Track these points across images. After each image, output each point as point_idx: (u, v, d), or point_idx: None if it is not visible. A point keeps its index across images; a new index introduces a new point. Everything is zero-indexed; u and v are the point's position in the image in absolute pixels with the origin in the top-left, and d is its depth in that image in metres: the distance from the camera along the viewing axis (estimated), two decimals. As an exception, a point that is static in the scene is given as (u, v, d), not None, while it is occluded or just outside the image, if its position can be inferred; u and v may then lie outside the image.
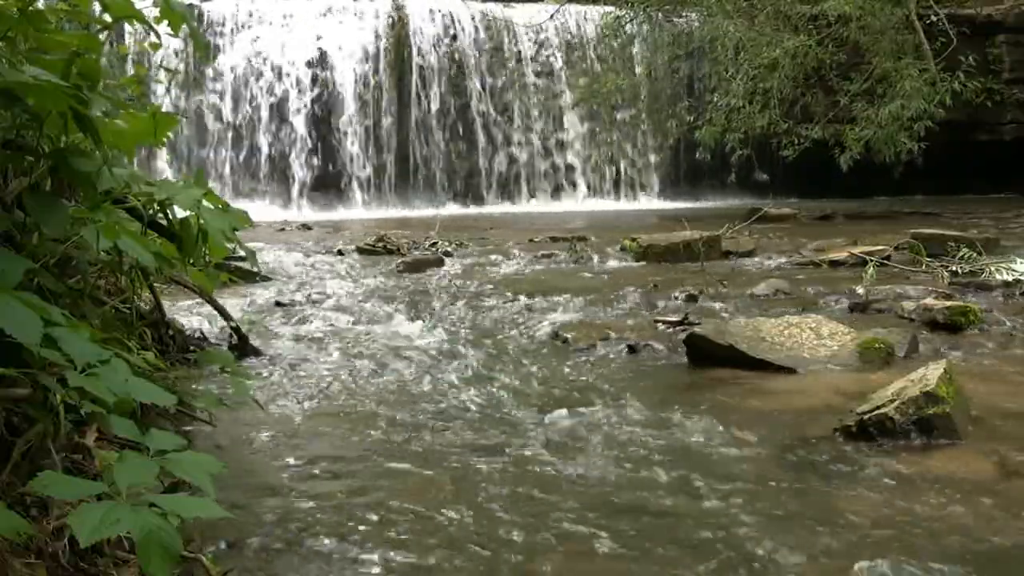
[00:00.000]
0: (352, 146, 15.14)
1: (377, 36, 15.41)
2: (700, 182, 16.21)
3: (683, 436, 2.92)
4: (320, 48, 15.14)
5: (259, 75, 14.86)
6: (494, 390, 3.51)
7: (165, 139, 2.41)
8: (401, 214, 14.36)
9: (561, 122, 16.36)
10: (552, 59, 16.39)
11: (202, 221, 2.20)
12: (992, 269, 5.85)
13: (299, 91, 14.92)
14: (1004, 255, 6.46)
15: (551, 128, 16.32)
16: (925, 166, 12.10)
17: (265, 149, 14.80)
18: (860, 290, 5.34)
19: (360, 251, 8.31)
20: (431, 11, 15.90)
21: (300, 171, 14.84)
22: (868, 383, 3.40)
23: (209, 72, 14.62)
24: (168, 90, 13.80)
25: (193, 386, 2.83)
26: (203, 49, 13.05)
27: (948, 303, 4.59)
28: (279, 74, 14.92)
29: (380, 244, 8.43)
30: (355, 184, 15.15)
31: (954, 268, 6.02)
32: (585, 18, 16.38)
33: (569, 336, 4.42)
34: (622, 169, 16.63)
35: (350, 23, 15.46)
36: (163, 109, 2.54)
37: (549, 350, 4.27)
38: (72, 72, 1.91)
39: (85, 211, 2.15)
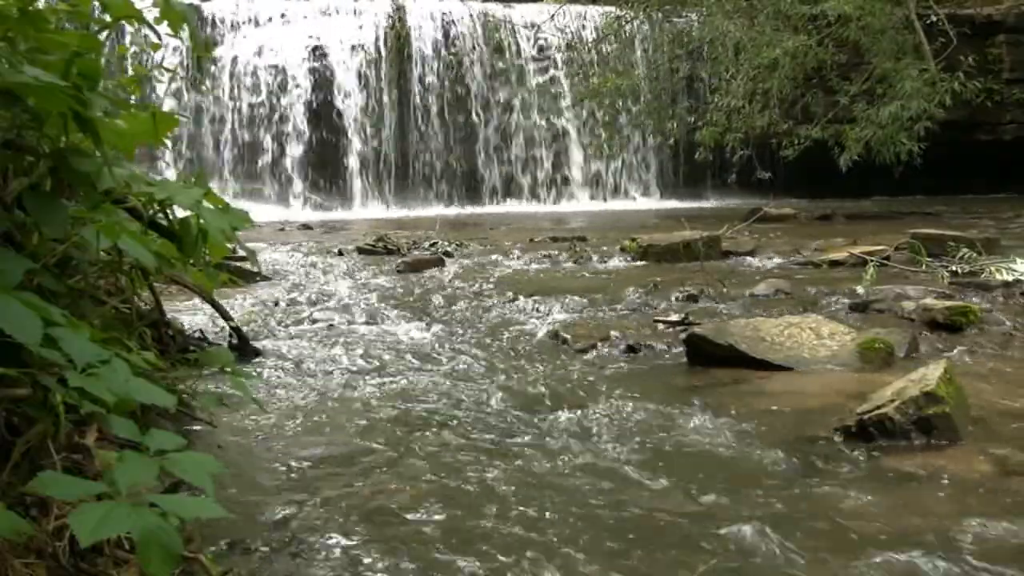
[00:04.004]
0: (352, 146, 15.14)
1: (377, 36, 15.41)
2: (700, 182, 16.22)
3: (682, 436, 2.92)
4: (320, 48, 15.14)
5: (259, 75, 14.86)
6: (494, 390, 3.51)
7: (166, 139, 2.41)
8: (401, 214, 14.37)
9: (561, 122, 16.37)
10: (552, 59, 16.39)
11: (202, 221, 2.20)
12: (992, 269, 5.84)
13: (299, 91, 14.92)
14: (1004, 255, 6.45)
15: (551, 128, 16.33)
16: (925, 166, 12.09)
17: (265, 149, 14.80)
18: (860, 290, 5.33)
19: (360, 251, 8.31)
20: (431, 11, 15.91)
21: (300, 171, 14.85)
22: (868, 383, 3.40)
23: (209, 72, 14.62)
24: (168, 90, 13.79)
25: (193, 386, 2.82)
26: (203, 49, 13.04)
27: (948, 303, 4.59)
28: (279, 74, 14.92)
29: (380, 244, 8.43)
30: (355, 184, 15.15)
31: (954, 268, 6.01)
32: (585, 18, 16.39)
33: (569, 336, 4.42)
34: (622, 169, 16.63)
35: (350, 23, 15.46)
36: (163, 109, 2.54)
37: (549, 350, 4.27)
38: (72, 72, 1.91)
39: (85, 211, 2.15)
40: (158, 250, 2.31)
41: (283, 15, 15.37)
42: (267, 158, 14.80)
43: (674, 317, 4.71)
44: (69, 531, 1.63)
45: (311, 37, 15.18)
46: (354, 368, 3.90)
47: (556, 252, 7.98)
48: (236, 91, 14.79)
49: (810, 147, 12.53)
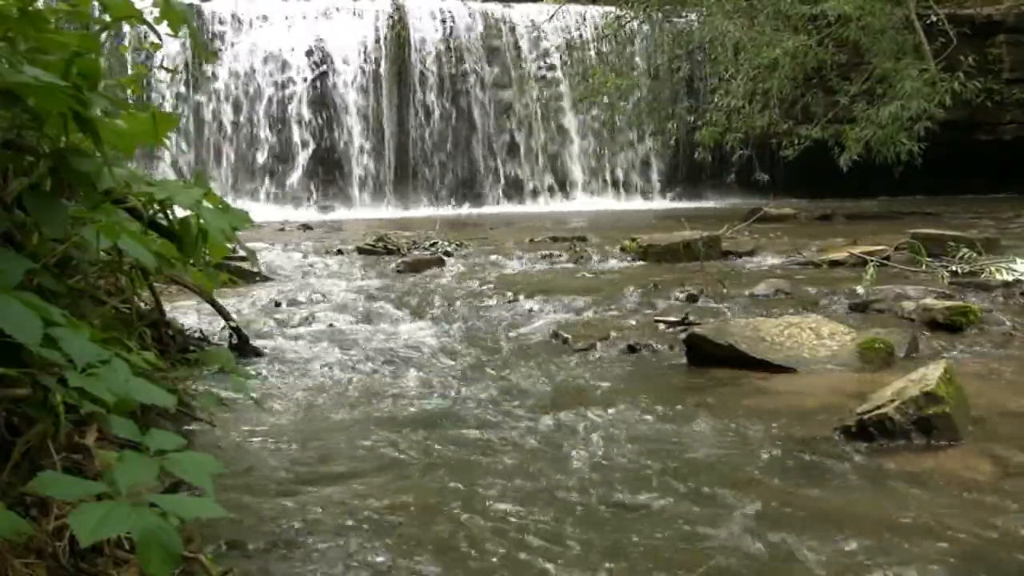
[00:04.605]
0: (352, 146, 15.14)
1: (377, 36, 15.42)
2: (700, 182, 16.22)
3: (682, 436, 2.92)
4: (320, 48, 15.15)
5: (259, 75, 14.86)
6: (494, 390, 3.51)
7: (165, 139, 2.41)
8: (401, 214, 14.37)
9: (561, 122, 16.37)
10: (552, 59, 16.39)
11: (202, 221, 2.20)
12: (992, 269, 5.84)
13: (299, 91, 14.92)
14: (1004, 255, 6.46)
15: (551, 128, 16.33)
16: (925, 166, 12.09)
17: (265, 149, 14.80)
18: (860, 290, 5.33)
19: (360, 251, 8.31)
20: (431, 11, 15.91)
21: (300, 171, 14.85)
22: (868, 383, 3.40)
23: (209, 72, 14.63)
24: (168, 90, 13.81)
25: (193, 386, 2.82)
26: (203, 49, 13.05)
27: (948, 303, 4.59)
28: (279, 74, 14.92)
29: (380, 244, 8.43)
30: (355, 184, 15.16)
31: (954, 268, 6.01)
32: (585, 18, 16.39)
33: (569, 336, 4.42)
34: (622, 169, 16.63)
35: (350, 23, 15.46)
36: (163, 109, 2.55)
37: (549, 350, 4.27)
38: (72, 72, 1.91)
39: (85, 211, 2.15)
40: (158, 250, 2.31)
41: (284, 15, 15.36)
42: (267, 158, 14.80)
43: (674, 317, 4.70)
44: (69, 531, 1.63)
45: (311, 37, 15.19)
46: (354, 368, 3.90)
47: (556, 252, 7.98)
48: (236, 91, 14.79)
49: (810, 147, 12.53)
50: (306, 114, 14.90)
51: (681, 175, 16.62)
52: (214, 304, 3.99)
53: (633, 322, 4.75)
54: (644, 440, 2.87)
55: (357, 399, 3.42)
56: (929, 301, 4.69)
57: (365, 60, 15.26)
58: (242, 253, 3.83)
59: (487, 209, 15.25)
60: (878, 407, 2.87)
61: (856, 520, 2.23)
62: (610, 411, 3.18)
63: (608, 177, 16.53)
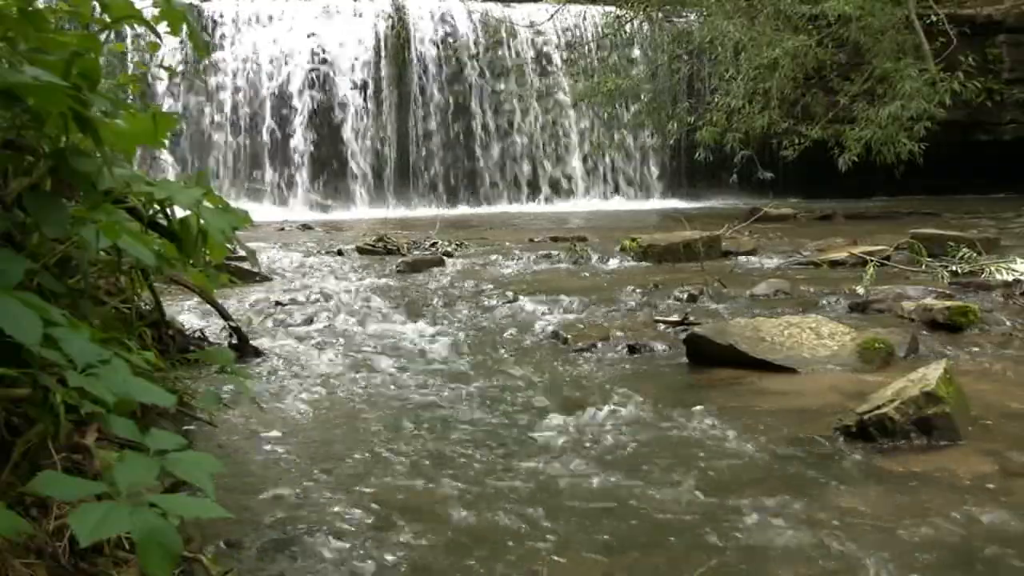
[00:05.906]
0: (352, 146, 15.14)
1: (377, 36, 15.42)
2: (700, 182, 16.22)
3: (683, 436, 2.92)
4: (320, 48, 15.15)
5: (258, 75, 14.86)
6: (494, 390, 3.51)
7: (166, 139, 2.40)
8: (401, 214, 14.37)
9: (561, 122, 16.37)
10: (552, 59, 16.40)
11: (202, 221, 2.20)
12: (992, 269, 5.85)
13: (299, 91, 14.92)
14: (1004, 255, 6.46)
15: (551, 128, 16.33)
16: (925, 166, 12.09)
17: (265, 149, 14.80)
18: (860, 290, 5.33)
19: (360, 251, 8.31)
20: (431, 11, 15.91)
21: (300, 171, 14.85)
22: (868, 383, 3.40)
23: (209, 72, 14.62)
24: (168, 90, 13.81)
25: (193, 386, 2.82)
26: (202, 49, 13.06)
27: (948, 303, 4.59)
28: (279, 74, 14.91)
29: (380, 244, 8.43)
30: (355, 184, 15.15)
31: (954, 268, 6.02)
32: (585, 18, 16.39)
33: (569, 336, 4.42)
34: (622, 169, 16.63)
35: (350, 23, 15.47)
36: (163, 109, 2.55)
37: (549, 350, 4.27)
38: (72, 72, 1.91)
39: (85, 211, 2.15)
40: (158, 250, 2.31)
41: (283, 15, 15.37)
42: (267, 158, 14.80)
43: (674, 317, 4.70)
44: (69, 531, 1.63)
45: (311, 37, 15.19)
46: (353, 368, 3.90)
47: (556, 252, 7.98)
48: (236, 91, 14.78)
49: (810, 147, 12.53)
50: (306, 114, 14.90)
51: (681, 175, 16.62)
52: (214, 304, 3.99)
53: (633, 322, 4.75)
54: (644, 440, 2.87)
55: (357, 399, 3.42)
56: (929, 301, 4.69)
57: (365, 60, 15.26)
58: (242, 253, 3.83)
59: (487, 209, 15.26)
60: (878, 407, 2.87)
61: (856, 520, 2.23)
62: (610, 412, 3.18)
63: (608, 177, 16.53)
